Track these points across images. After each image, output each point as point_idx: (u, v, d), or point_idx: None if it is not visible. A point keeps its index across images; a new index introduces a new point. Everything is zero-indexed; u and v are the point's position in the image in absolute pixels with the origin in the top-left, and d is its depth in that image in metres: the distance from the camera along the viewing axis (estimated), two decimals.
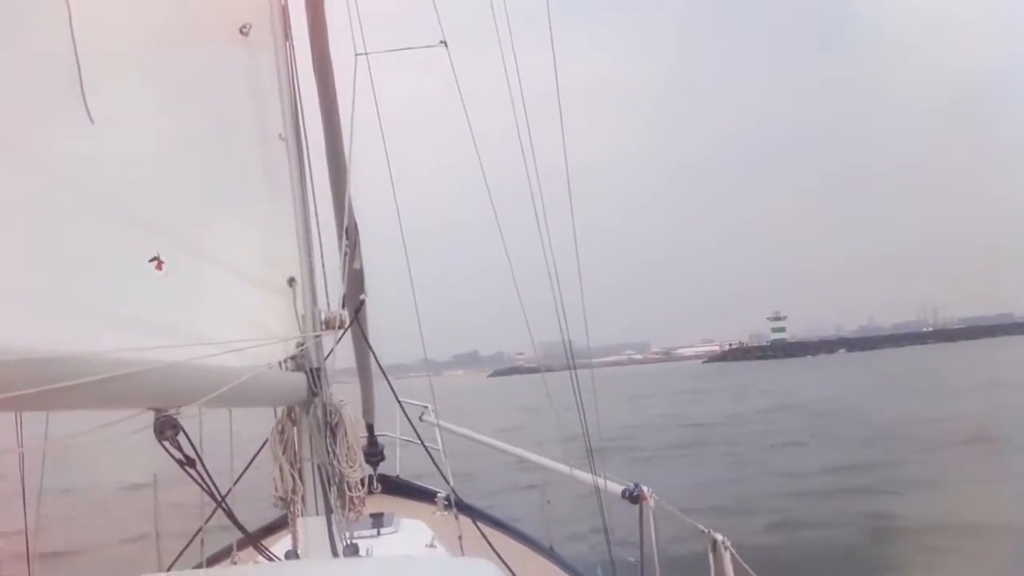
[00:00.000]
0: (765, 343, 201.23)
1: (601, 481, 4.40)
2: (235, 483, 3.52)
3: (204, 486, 2.87)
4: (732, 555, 3.85)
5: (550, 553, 6.02)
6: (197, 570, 3.41)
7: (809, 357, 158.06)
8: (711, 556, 3.92)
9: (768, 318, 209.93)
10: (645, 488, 4.37)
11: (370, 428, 6.63)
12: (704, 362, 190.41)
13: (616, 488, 4.47)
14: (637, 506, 4.36)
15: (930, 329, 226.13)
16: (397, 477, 7.18)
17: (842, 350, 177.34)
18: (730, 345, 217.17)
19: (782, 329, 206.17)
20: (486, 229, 4.68)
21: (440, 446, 6.43)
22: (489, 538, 4.68)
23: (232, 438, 3.56)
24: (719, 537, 3.90)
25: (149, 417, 2.49)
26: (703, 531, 3.99)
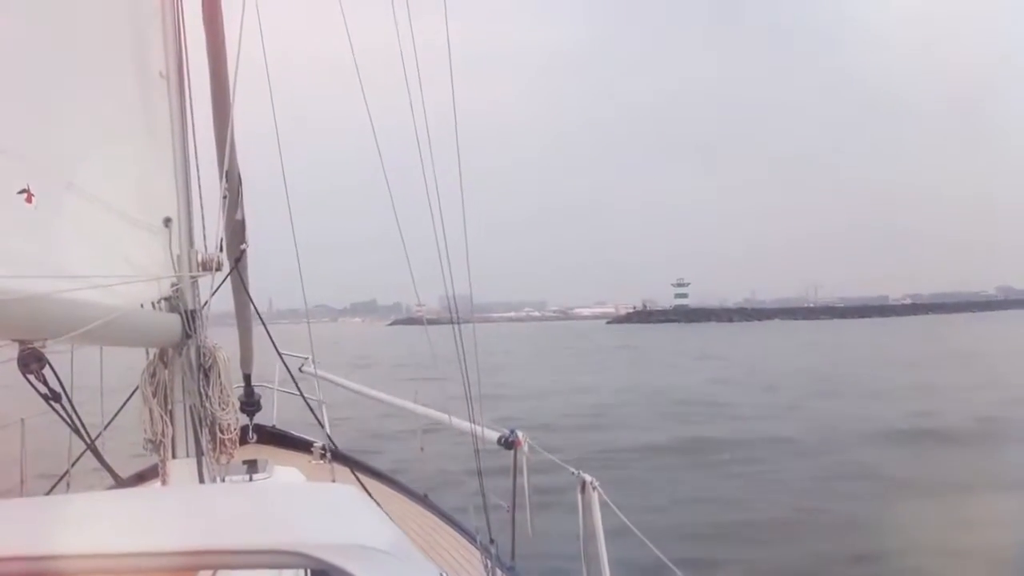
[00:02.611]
0: (666, 307, 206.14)
1: (478, 428, 4.48)
2: (106, 426, 3.48)
3: (70, 423, 2.84)
4: (600, 495, 3.95)
5: (423, 500, 6.14)
6: (58, 495, 3.37)
7: (713, 323, 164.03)
8: (580, 497, 4.01)
9: (672, 284, 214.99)
10: (520, 433, 4.47)
11: (247, 378, 6.58)
12: (608, 323, 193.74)
13: (492, 435, 4.57)
14: (511, 452, 4.48)
15: (812, 305, 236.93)
16: (273, 427, 7.16)
17: (740, 319, 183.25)
18: (634, 308, 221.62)
19: (685, 295, 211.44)
20: (383, 183, 4.67)
21: (319, 396, 6.43)
22: (364, 485, 4.74)
23: (103, 382, 3.52)
24: (588, 478, 3.98)
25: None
26: (573, 473, 4.10)
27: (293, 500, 2.41)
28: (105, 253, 3.08)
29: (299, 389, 5.26)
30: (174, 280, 3.30)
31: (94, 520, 2.00)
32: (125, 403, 3.86)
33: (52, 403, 2.68)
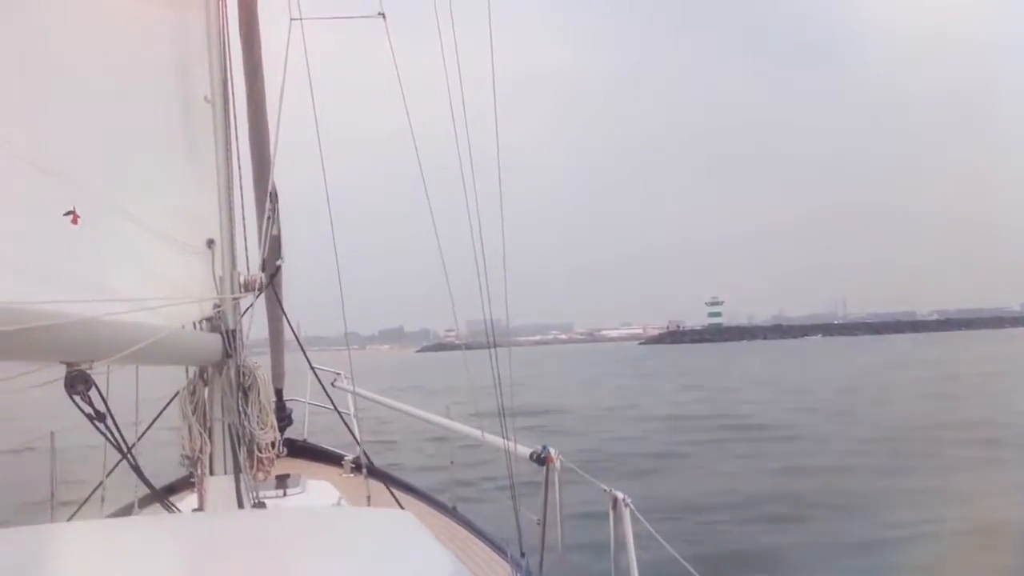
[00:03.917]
0: (698, 327, 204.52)
1: (511, 444, 4.48)
2: (140, 437, 3.53)
3: (113, 441, 2.89)
4: (632, 512, 3.89)
5: (453, 512, 6.13)
6: (99, 520, 3.41)
7: (747, 341, 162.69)
8: (611, 514, 3.96)
9: (706, 302, 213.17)
10: (552, 450, 4.47)
11: (278, 393, 6.61)
12: (640, 344, 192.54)
13: (524, 451, 4.57)
14: (543, 467, 4.47)
15: (842, 322, 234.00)
16: (304, 441, 7.18)
17: (774, 336, 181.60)
18: (667, 328, 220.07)
19: (719, 314, 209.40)
20: (416, 207, 4.72)
21: (352, 412, 6.44)
22: (396, 498, 4.76)
23: (138, 396, 3.59)
24: (620, 495, 3.93)
25: (61, 370, 2.50)
26: (605, 490, 4.07)
27: (357, 531, 2.47)
28: (148, 274, 3.15)
29: (333, 403, 5.27)
30: (216, 301, 3.36)
31: (161, 546, 2.04)
32: (159, 415, 3.93)
33: (96, 423, 2.71)
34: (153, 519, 3.25)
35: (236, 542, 2.21)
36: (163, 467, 4.47)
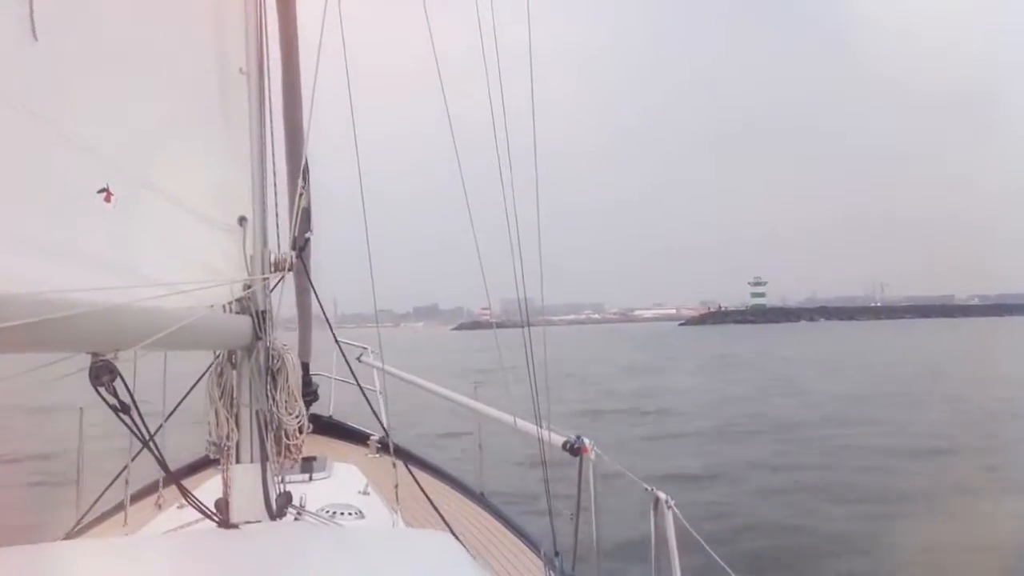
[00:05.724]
0: (741, 308, 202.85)
1: (545, 433, 4.33)
2: (164, 421, 3.46)
3: (137, 433, 2.79)
4: (675, 514, 3.69)
5: (480, 498, 6.01)
6: (127, 539, 3.37)
7: (790, 323, 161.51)
8: (652, 514, 3.78)
9: (749, 283, 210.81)
10: (587, 440, 4.29)
11: (305, 367, 6.52)
12: (680, 324, 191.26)
13: (558, 440, 4.42)
14: (577, 458, 4.31)
15: (878, 304, 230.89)
16: (330, 418, 7.11)
17: (820, 318, 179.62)
18: (708, 308, 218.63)
19: (762, 295, 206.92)
20: (453, 188, 4.59)
21: (378, 388, 6.32)
22: (422, 484, 4.66)
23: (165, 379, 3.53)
24: (662, 496, 3.74)
25: (84, 359, 2.40)
26: (646, 488, 3.88)
27: (400, 559, 2.45)
28: (177, 254, 3.03)
29: (356, 379, 5.15)
30: (247, 282, 3.24)
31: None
32: (182, 400, 3.87)
33: (121, 415, 2.62)
34: (183, 539, 3.20)
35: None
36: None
